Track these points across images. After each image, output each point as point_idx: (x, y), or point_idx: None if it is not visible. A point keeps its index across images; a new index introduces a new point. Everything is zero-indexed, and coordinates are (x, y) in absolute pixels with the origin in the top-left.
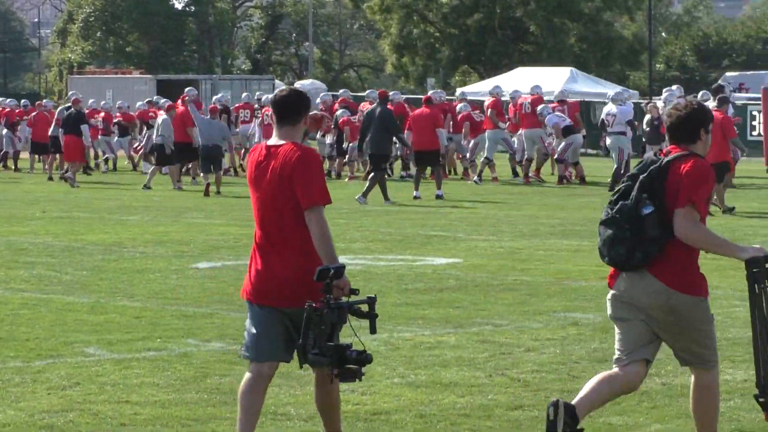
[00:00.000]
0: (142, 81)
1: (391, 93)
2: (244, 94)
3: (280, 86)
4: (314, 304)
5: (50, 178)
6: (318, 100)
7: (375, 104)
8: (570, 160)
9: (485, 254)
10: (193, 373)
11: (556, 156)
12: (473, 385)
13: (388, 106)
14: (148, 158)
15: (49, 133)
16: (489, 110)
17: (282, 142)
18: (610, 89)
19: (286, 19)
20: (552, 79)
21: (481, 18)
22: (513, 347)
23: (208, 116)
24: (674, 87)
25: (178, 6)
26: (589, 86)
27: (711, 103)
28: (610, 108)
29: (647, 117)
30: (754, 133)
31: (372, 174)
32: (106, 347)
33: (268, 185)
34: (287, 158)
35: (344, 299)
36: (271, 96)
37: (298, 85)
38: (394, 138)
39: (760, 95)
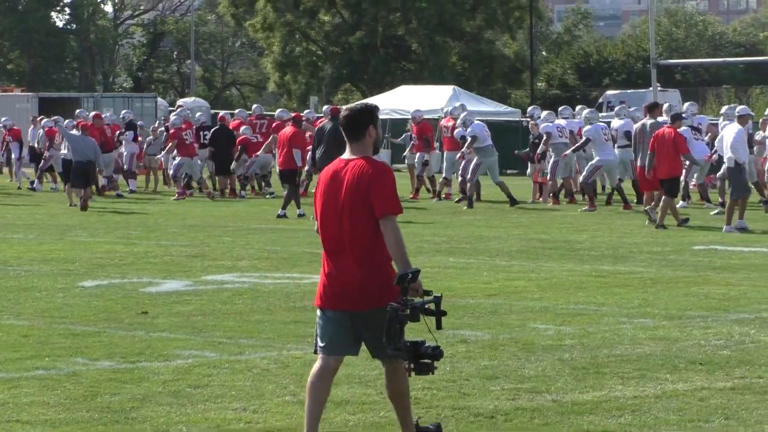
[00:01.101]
0: (24, 98)
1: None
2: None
3: (163, 104)
4: (394, 305)
5: None
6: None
7: (326, 120)
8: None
9: None
10: (83, 392)
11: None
12: (365, 402)
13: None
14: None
15: None
16: (449, 131)
17: (354, 156)
18: (493, 107)
19: (168, 37)
20: (435, 98)
21: (362, 36)
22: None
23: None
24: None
25: (59, 23)
26: (472, 104)
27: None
28: (614, 122)
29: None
30: None
31: None
32: None
33: (343, 197)
34: (362, 172)
35: (417, 300)
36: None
37: (181, 102)
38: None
39: (641, 113)
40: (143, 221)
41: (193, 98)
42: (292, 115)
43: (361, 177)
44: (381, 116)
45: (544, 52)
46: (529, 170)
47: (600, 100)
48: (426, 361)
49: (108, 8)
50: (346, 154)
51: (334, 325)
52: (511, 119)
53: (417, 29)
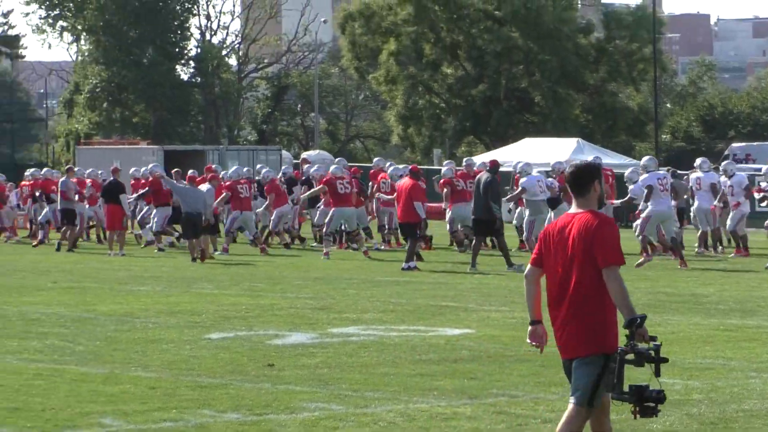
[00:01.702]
0: (149, 151)
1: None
2: (245, 168)
3: (287, 157)
4: (622, 350)
5: (70, 250)
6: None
7: (483, 171)
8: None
9: (497, 325)
10: None
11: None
12: None
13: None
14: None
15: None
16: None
17: (580, 210)
18: (617, 159)
19: (292, 90)
20: (559, 150)
21: (485, 89)
22: (529, 419)
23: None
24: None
25: (184, 77)
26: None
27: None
28: None
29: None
30: (762, 204)
31: (498, 239)
32: (122, 418)
33: (570, 249)
34: (588, 224)
35: (642, 345)
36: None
37: (305, 155)
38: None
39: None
40: (268, 273)
41: (317, 151)
42: (409, 167)
43: (587, 229)
44: (502, 169)
45: (668, 104)
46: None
47: (726, 153)
48: (650, 404)
49: (232, 61)
50: (573, 209)
51: (566, 372)
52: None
53: (540, 81)
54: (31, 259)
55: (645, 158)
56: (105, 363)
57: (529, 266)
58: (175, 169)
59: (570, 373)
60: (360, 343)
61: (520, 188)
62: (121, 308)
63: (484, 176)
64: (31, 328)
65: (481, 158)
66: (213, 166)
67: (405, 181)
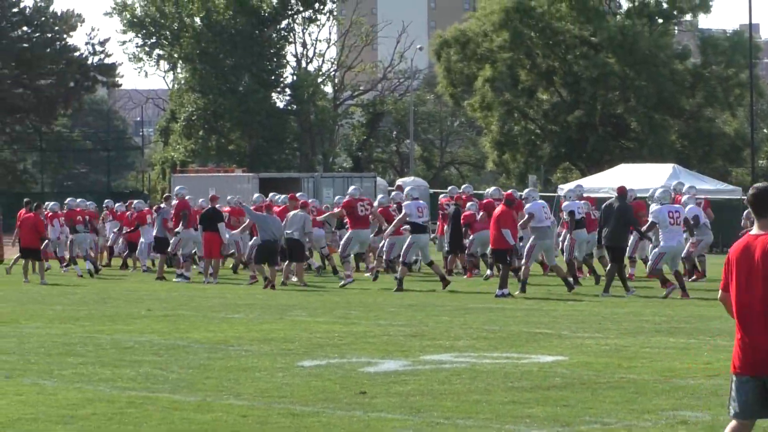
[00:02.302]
0: (244, 179)
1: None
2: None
3: (382, 184)
4: None
5: (161, 278)
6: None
7: (613, 198)
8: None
9: (591, 352)
10: None
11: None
12: None
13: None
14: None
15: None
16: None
17: (762, 232)
18: (713, 185)
19: (387, 117)
20: (654, 176)
21: (581, 115)
22: None
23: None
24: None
25: (280, 105)
26: (692, 183)
27: None
28: None
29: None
30: None
31: (609, 266)
32: None
33: (755, 269)
34: None
35: None
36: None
37: (400, 182)
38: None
39: None
40: (362, 301)
41: (412, 177)
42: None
43: None
44: (599, 195)
45: (765, 130)
46: None
47: None
48: None
49: (328, 89)
50: (755, 230)
51: (747, 390)
52: (731, 197)
53: (636, 107)
54: (125, 287)
55: (659, 190)
56: (197, 391)
57: (720, 292)
58: (271, 193)
59: (752, 390)
60: (452, 370)
61: (527, 215)
62: (215, 336)
63: (615, 203)
64: (125, 356)
65: (578, 183)
66: (298, 195)
67: (498, 208)
